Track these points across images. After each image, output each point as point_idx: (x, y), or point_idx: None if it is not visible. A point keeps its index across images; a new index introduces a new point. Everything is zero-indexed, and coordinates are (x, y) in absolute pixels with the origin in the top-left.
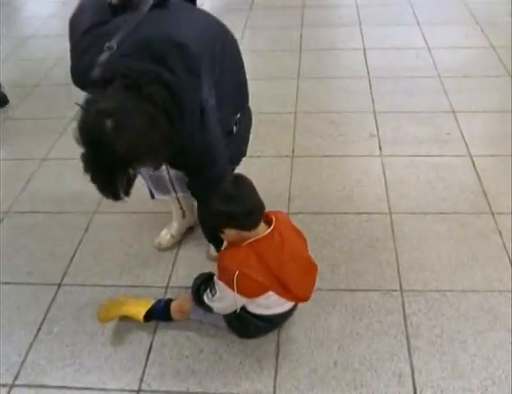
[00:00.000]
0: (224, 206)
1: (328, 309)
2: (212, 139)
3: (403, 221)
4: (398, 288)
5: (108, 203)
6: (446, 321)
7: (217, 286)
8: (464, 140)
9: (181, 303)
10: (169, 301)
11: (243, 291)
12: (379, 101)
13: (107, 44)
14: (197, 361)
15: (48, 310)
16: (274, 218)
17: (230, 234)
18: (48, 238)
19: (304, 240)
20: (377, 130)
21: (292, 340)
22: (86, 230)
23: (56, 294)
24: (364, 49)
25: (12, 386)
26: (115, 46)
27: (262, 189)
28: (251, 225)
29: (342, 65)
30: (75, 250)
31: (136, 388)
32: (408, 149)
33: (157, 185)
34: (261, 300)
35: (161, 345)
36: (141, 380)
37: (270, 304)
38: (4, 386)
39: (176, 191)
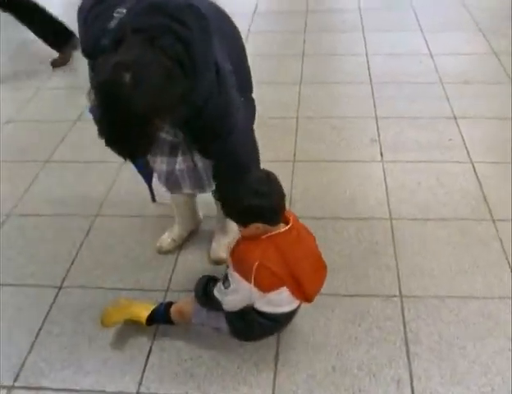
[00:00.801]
0: (256, 201)
1: (327, 314)
2: (231, 102)
3: (403, 226)
4: (398, 294)
5: (110, 206)
6: (446, 327)
7: (231, 278)
8: (466, 146)
9: (182, 305)
10: (169, 304)
11: (260, 284)
12: (381, 106)
13: (117, 10)
14: (196, 365)
15: (48, 312)
16: (291, 216)
17: (253, 227)
18: (49, 240)
19: (314, 239)
20: (379, 135)
21: (291, 344)
22: (88, 232)
23: (56, 296)
24: (367, 55)
25: (12, 387)
26: (124, 11)
27: None
28: (277, 220)
29: (344, 70)
30: (77, 253)
31: (135, 391)
32: (409, 155)
33: (169, 181)
34: (273, 295)
35: (160, 348)
36: (140, 383)
37: (280, 301)
38: (4, 387)
39: (186, 188)
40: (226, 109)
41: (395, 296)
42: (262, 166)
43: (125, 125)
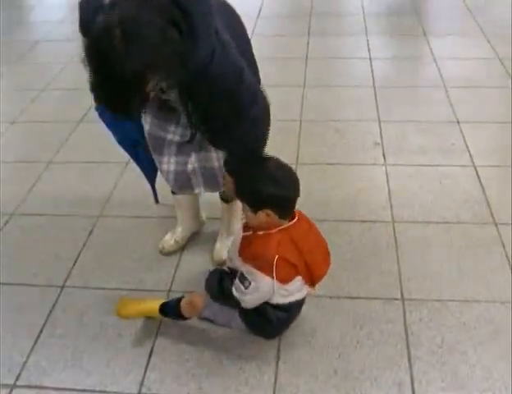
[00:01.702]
0: (274, 188)
1: (329, 317)
2: (238, 71)
3: (406, 229)
4: (399, 297)
5: (113, 206)
6: (447, 331)
7: (251, 276)
8: (468, 151)
9: (192, 299)
10: (181, 298)
11: (281, 277)
12: (384, 110)
13: None
14: (197, 366)
15: (50, 312)
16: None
17: (262, 215)
18: (52, 240)
19: (315, 226)
20: (382, 138)
21: (293, 346)
22: (90, 233)
23: (59, 296)
24: (370, 58)
25: (14, 386)
26: None
27: None
28: (290, 212)
29: (348, 73)
30: (79, 253)
31: (136, 391)
32: (412, 158)
33: (178, 180)
34: (289, 285)
35: (162, 348)
36: (141, 383)
37: (293, 289)
38: (6, 386)
39: (198, 187)
40: (232, 79)
41: (396, 299)
42: None
43: (117, 83)
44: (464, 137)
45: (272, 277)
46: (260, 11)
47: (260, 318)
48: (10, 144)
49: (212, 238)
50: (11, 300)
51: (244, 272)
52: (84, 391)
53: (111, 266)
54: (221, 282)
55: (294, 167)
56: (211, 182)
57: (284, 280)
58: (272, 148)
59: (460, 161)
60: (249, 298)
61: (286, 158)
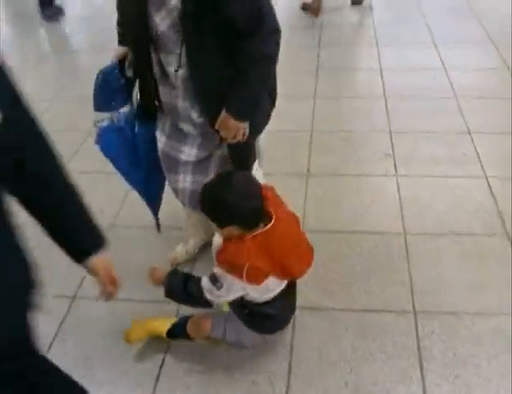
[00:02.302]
0: (242, 202)
1: (341, 329)
2: None
3: (417, 241)
4: (411, 309)
5: (124, 217)
6: (460, 344)
7: (223, 280)
8: (480, 161)
9: (197, 321)
10: (188, 318)
11: (252, 281)
12: (395, 121)
13: None
14: (208, 378)
15: (62, 322)
16: (273, 211)
17: (230, 229)
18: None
19: (297, 218)
20: (393, 149)
21: (304, 359)
22: None
23: (70, 306)
24: (381, 69)
25: None
26: None
27: None
28: (254, 225)
29: (359, 84)
30: None
31: None
32: (423, 169)
33: (193, 199)
34: (262, 285)
35: (173, 360)
36: None
37: (270, 285)
38: None
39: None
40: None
41: (408, 312)
42: (277, 179)
43: None
44: (475, 147)
45: (243, 281)
46: None
47: (256, 318)
48: None
49: None
50: None
51: (217, 274)
52: None
53: (122, 276)
54: (185, 287)
55: (305, 177)
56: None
57: (255, 282)
58: (283, 159)
59: (472, 172)
60: (222, 299)
61: (297, 168)
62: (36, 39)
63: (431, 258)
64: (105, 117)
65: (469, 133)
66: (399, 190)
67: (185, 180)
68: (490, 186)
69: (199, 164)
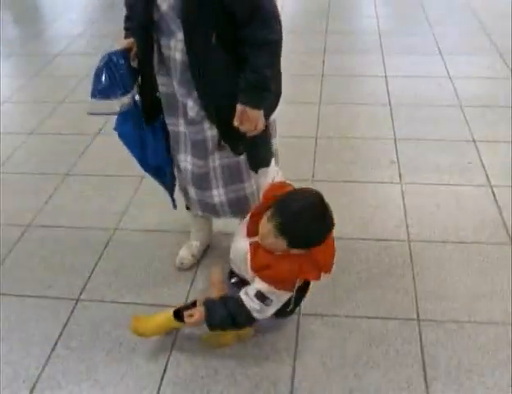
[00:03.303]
0: (321, 235)
1: (345, 336)
2: None
3: (422, 249)
4: (415, 317)
5: (129, 220)
6: (464, 352)
7: (272, 296)
8: (485, 170)
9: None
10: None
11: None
12: (400, 128)
13: None
14: (212, 382)
15: (65, 325)
16: None
17: (293, 250)
18: (68, 252)
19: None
20: (398, 157)
21: (308, 365)
22: (106, 246)
23: (74, 308)
24: (386, 77)
25: None
26: None
27: None
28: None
29: (364, 91)
30: (95, 266)
31: None
32: (428, 177)
33: (202, 209)
34: None
35: (176, 364)
36: None
37: None
38: None
39: (218, 187)
40: None
41: (412, 320)
42: None
43: None
44: (480, 156)
45: (292, 292)
46: None
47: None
48: (27, 156)
49: (226, 252)
50: (26, 311)
51: (263, 291)
52: None
53: (126, 279)
54: (229, 313)
55: (309, 184)
56: (239, 210)
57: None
58: (287, 165)
59: (477, 180)
60: (271, 311)
61: (301, 174)
62: (44, 40)
63: (435, 266)
64: (103, 109)
65: (474, 141)
66: (403, 197)
67: (192, 193)
68: (495, 195)
69: (204, 178)
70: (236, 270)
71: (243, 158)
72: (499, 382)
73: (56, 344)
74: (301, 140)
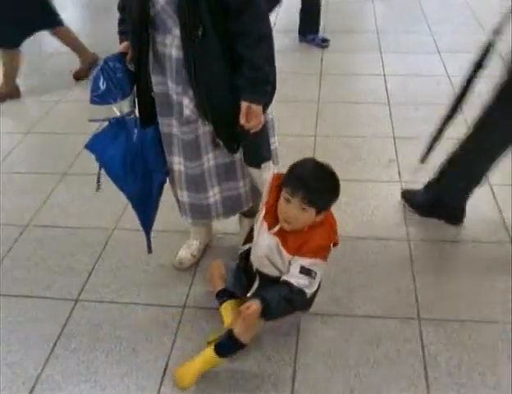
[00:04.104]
0: (338, 188)
1: (345, 336)
2: None
3: (421, 248)
4: (416, 316)
5: (127, 220)
6: (465, 352)
7: (316, 267)
8: None
9: (242, 324)
10: (230, 332)
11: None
12: (399, 127)
13: None
14: (213, 384)
15: (64, 325)
16: None
17: (319, 216)
18: (66, 252)
19: None
20: (397, 155)
21: (309, 365)
22: (105, 246)
23: (73, 309)
24: (385, 75)
25: None
26: None
27: None
28: None
29: (362, 90)
30: (93, 266)
31: None
32: (427, 176)
33: (193, 212)
34: None
35: (176, 365)
36: None
37: None
38: None
39: (213, 188)
40: None
41: (413, 319)
42: None
43: None
44: None
45: (326, 261)
46: (274, 26)
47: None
48: (24, 155)
49: (225, 252)
50: (25, 312)
51: (306, 266)
52: None
53: (125, 279)
54: (284, 297)
55: None
56: (231, 210)
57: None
58: (286, 164)
59: None
60: (317, 284)
61: None
62: (41, 37)
63: (435, 266)
64: (103, 114)
65: None
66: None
67: (183, 196)
68: (494, 195)
69: (198, 180)
70: (264, 269)
71: (238, 156)
72: (500, 381)
73: (55, 345)
74: (300, 139)
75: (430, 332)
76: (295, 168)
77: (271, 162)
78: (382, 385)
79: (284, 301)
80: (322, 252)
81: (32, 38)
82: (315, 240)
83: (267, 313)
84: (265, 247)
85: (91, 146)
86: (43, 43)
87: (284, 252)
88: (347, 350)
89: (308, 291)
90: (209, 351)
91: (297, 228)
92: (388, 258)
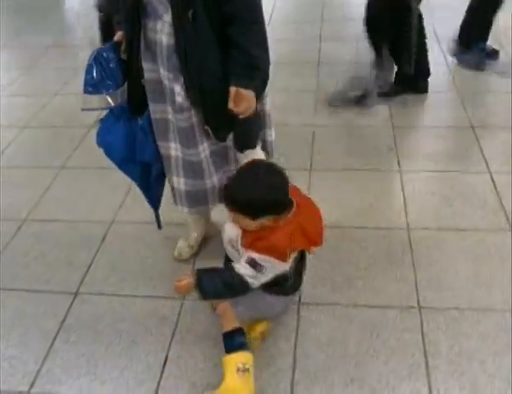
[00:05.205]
0: (270, 195)
1: (345, 325)
2: None
3: (421, 237)
4: (416, 305)
5: (126, 212)
6: (465, 340)
7: (266, 263)
8: (484, 156)
9: (223, 314)
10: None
11: (289, 259)
12: (397, 115)
13: None
14: (213, 374)
15: (64, 319)
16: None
17: (263, 221)
18: (65, 246)
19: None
20: (396, 144)
21: (309, 355)
22: (103, 239)
23: (72, 303)
24: None
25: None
26: None
27: None
28: (288, 210)
29: None
30: (92, 259)
31: None
32: (427, 165)
33: (189, 199)
34: None
35: (176, 357)
36: (156, 392)
37: None
38: (20, 393)
39: (211, 176)
40: None
41: (413, 308)
42: None
43: None
44: (478, 143)
45: (286, 262)
46: (271, 16)
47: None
48: (22, 149)
49: None
50: (25, 306)
51: (255, 259)
52: None
53: (124, 272)
54: (222, 279)
55: (307, 172)
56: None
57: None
58: (285, 153)
59: (476, 167)
60: (265, 279)
61: (300, 163)
62: (39, 31)
63: (435, 254)
64: (96, 104)
65: (472, 128)
66: (402, 185)
67: (180, 183)
68: (494, 182)
69: (195, 166)
70: (230, 255)
71: (230, 143)
72: (500, 368)
73: (55, 338)
74: (299, 129)
75: (430, 320)
76: (231, 178)
77: (257, 150)
78: (382, 374)
79: (221, 284)
80: (275, 252)
81: (31, 29)
82: (270, 241)
83: (201, 290)
84: (229, 235)
85: (101, 141)
86: (40, 35)
87: (239, 242)
88: (347, 339)
89: (252, 282)
90: (223, 360)
91: (253, 229)
92: (388, 246)
